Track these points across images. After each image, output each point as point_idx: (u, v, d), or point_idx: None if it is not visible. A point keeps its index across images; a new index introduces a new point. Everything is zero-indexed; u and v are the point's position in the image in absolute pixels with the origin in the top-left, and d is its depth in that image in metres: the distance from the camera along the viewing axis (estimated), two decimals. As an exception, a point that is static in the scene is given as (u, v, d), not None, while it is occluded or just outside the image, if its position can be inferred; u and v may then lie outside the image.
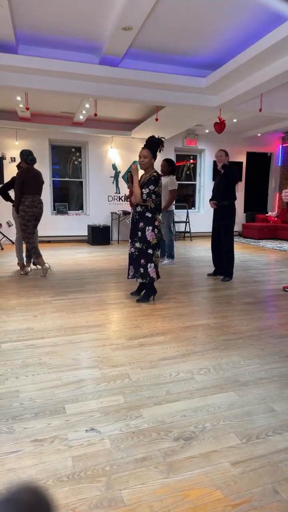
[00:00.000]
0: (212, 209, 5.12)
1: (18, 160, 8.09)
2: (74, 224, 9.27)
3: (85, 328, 3.15)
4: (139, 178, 3.86)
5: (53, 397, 2.04)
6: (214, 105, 5.87)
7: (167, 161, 6.12)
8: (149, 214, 3.79)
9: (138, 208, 3.81)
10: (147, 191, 3.70)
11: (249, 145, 10.47)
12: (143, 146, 3.83)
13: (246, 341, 2.90)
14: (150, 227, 3.78)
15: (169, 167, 6.07)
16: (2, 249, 7.73)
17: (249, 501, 1.35)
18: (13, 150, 8.49)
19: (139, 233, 3.80)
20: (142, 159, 3.78)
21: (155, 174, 3.77)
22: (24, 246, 5.56)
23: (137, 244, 3.83)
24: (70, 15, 3.98)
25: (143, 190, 3.71)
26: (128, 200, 4.02)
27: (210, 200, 5.08)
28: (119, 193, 9.49)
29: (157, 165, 6.21)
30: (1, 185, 6.56)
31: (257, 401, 2.02)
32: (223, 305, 3.86)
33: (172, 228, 6.36)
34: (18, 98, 6.42)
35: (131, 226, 3.94)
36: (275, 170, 10.85)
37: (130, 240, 3.95)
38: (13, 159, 8.18)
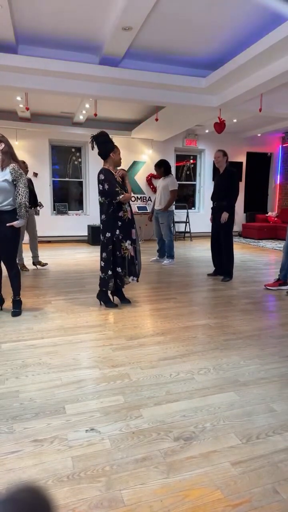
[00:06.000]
0: (212, 209, 5.12)
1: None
2: (74, 224, 9.26)
3: (85, 328, 3.15)
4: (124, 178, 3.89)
5: (53, 397, 2.04)
6: (214, 105, 5.87)
7: (156, 165, 6.20)
8: None
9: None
10: None
11: (249, 145, 10.46)
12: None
13: (246, 341, 2.90)
14: None
15: (160, 168, 6.11)
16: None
17: (249, 501, 1.35)
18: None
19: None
20: None
21: None
22: (23, 246, 5.56)
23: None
24: (70, 15, 3.98)
25: None
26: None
27: (211, 199, 5.10)
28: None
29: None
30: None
31: (257, 401, 2.02)
32: (223, 305, 3.86)
33: (172, 228, 6.36)
34: (18, 98, 6.42)
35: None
36: (275, 170, 10.86)
37: (141, 239, 3.93)
38: (13, 159, 8.18)
